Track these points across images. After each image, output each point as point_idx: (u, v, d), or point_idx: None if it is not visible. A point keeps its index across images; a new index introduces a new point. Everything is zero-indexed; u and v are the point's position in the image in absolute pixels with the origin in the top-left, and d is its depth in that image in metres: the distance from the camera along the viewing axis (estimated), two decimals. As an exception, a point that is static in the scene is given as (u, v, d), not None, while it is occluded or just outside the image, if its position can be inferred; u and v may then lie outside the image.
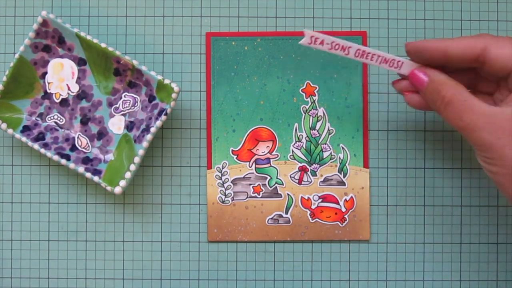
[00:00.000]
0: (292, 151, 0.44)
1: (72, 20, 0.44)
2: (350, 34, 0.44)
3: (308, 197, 0.43)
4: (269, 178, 0.44)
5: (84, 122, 0.43)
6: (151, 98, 0.42)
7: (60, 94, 0.43)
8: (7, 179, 0.44)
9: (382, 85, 0.44)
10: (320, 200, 0.43)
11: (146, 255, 0.44)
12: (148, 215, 0.44)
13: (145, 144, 0.40)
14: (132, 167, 0.40)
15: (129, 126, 0.43)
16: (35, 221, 0.44)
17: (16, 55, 0.41)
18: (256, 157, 0.44)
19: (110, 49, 0.41)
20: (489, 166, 0.33)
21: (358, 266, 0.44)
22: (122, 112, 0.43)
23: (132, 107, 0.43)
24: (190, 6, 0.44)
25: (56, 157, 0.41)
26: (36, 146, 0.41)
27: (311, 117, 0.44)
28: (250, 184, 0.43)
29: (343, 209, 0.43)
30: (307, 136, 0.44)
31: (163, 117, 0.40)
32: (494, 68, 0.33)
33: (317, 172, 0.43)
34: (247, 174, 0.44)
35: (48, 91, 0.43)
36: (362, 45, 0.37)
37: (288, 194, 0.43)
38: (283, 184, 0.44)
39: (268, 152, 0.44)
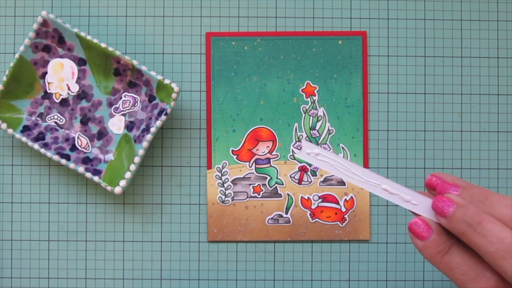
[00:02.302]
0: (292, 151, 0.44)
1: (72, 20, 0.44)
2: (350, 34, 0.44)
3: (308, 197, 0.43)
4: (269, 178, 0.44)
5: (84, 122, 0.43)
6: (151, 98, 0.42)
7: (60, 94, 0.43)
8: (7, 179, 0.44)
9: (382, 85, 0.44)
10: (320, 200, 0.43)
11: (146, 255, 0.44)
12: (148, 215, 0.44)
13: (145, 144, 0.40)
14: (132, 167, 0.40)
15: (129, 126, 0.43)
16: (35, 221, 0.44)
17: (16, 55, 0.41)
18: (256, 157, 0.44)
19: (110, 49, 0.41)
20: None
21: (358, 266, 0.44)
22: (122, 112, 0.43)
23: (132, 107, 0.43)
24: (190, 6, 0.44)
25: (56, 157, 0.41)
26: (36, 146, 0.41)
27: (311, 117, 0.44)
28: (250, 184, 0.43)
29: (343, 209, 0.43)
30: (307, 136, 0.44)
31: (163, 117, 0.40)
32: None
33: (317, 172, 0.43)
34: (247, 174, 0.44)
35: (48, 91, 0.43)
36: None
37: (288, 194, 0.43)
38: (283, 184, 0.44)
39: (268, 152, 0.44)
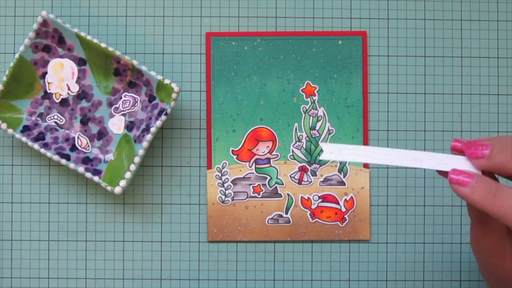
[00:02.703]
0: (292, 151, 0.44)
1: (72, 20, 0.44)
2: (350, 34, 0.44)
3: (308, 197, 0.43)
4: (269, 178, 0.44)
5: (84, 122, 0.43)
6: (151, 98, 0.42)
7: (60, 94, 0.43)
8: (7, 179, 0.44)
9: (382, 85, 0.44)
10: (320, 200, 0.43)
11: (146, 255, 0.44)
12: (148, 215, 0.44)
13: (145, 144, 0.40)
14: (132, 167, 0.40)
15: (129, 126, 0.43)
16: (35, 221, 0.44)
17: (16, 55, 0.41)
18: (256, 157, 0.44)
19: (110, 49, 0.41)
20: None
21: (358, 266, 0.44)
22: (122, 112, 0.43)
23: (132, 107, 0.43)
24: (190, 6, 0.44)
25: (56, 157, 0.41)
26: (36, 146, 0.41)
27: (311, 117, 0.44)
28: (250, 184, 0.43)
29: (343, 209, 0.43)
30: (307, 136, 0.44)
31: (163, 117, 0.40)
32: None
33: (317, 172, 0.43)
34: (247, 174, 0.44)
35: (48, 91, 0.43)
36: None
37: (288, 194, 0.43)
38: (283, 184, 0.44)
39: (268, 152, 0.44)
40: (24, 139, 0.41)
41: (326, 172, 0.43)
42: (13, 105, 0.42)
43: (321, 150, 0.34)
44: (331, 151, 0.31)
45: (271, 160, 0.44)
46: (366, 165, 0.44)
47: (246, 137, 0.44)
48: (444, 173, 0.32)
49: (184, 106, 0.44)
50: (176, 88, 0.40)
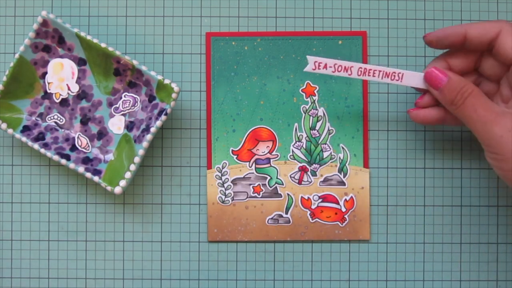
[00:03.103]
0: (292, 151, 0.44)
1: (72, 20, 0.44)
2: (350, 34, 0.44)
3: (308, 197, 0.43)
4: (269, 178, 0.44)
5: (84, 122, 0.43)
6: (151, 98, 0.42)
7: (60, 94, 0.43)
8: (7, 179, 0.44)
9: (382, 85, 0.44)
10: (320, 200, 0.43)
11: (146, 255, 0.44)
12: (148, 215, 0.44)
13: (145, 144, 0.40)
14: (132, 167, 0.40)
15: (129, 126, 0.43)
16: (35, 221, 0.44)
17: (16, 55, 0.41)
18: (256, 157, 0.44)
19: (110, 49, 0.41)
20: (498, 163, 0.34)
21: (358, 266, 0.44)
22: (122, 112, 0.43)
23: (132, 107, 0.43)
24: (190, 6, 0.44)
25: (56, 157, 0.41)
26: (36, 146, 0.41)
27: (311, 117, 0.44)
28: (250, 184, 0.43)
29: (343, 209, 0.43)
30: (307, 136, 0.44)
31: (163, 117, 0.40)
32: (500, 53, 0.35)
33: (317, 172, 0.43)
34: (247, 174, 0.44)
35: (48, 91, 0.43)
36: (362, 63, 0.39)
37: (288, 194, 0.43)
38: (283, 184, 0.44)
39: (268, 152, 0.44)
40: (24, 139, 0.41)
41: (326, 172, 0.43)
42: (13, 105, 0.42)
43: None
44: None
45: (271, 160, 0.44)
46: (366, 165, 0.44)
47: (246, 137, 0.44)
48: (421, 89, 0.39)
49: (184, 106, 0.44)
50: (176, 88, 0.40)
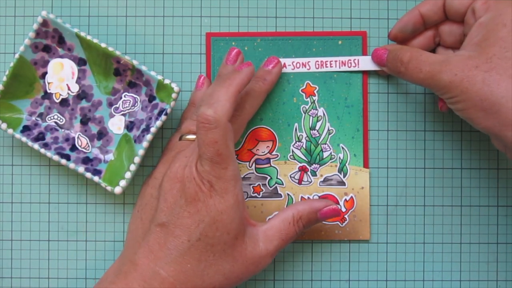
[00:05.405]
0: (292, 151, 0.44)
1: (72, 20, 0.44)
2: (350, 34, 0.44)
3: (308, 197, 0.43)
4: (269, 178, 0.44)
5: (84, 122, 0.43)
6: (151, 98, 0.42)
7: (60, 94, 0.43)
8: (7, 179, 0.44)
9: (382, 85, 0.44)
10: (320, 200, 0.43)
11: (146, 255, 0.44)
12: (148, 215, 0.44)
13: (145, 144, 0.40)
14: (132, 167, 0.40)
15: (129, 126, 0.43)
16: (35, 221, 0.44)
17: (16, 55, 0.41)
18: (256, 157, 0.44)
19: (110, 49, 0.41)
20: (456, 105, 0.36)
21: (358, 266, 0.44)
22: (122, 112, 0.43)
23: (132, 107, 0.43)
24: (190, 6, 0.44)
25: (56, 157, 0.41)
26: (36, 146, 0.41)
27: (311, 117, 0.44)
28: (250, 184, 0.43)
29: (343, 209, 0.43)
30: (307, 136, 0.44)
31: (163, 117, 0.40)
32: (452, 5, 0.38)
33: (317, 172, 0.43)
34: (247, 174, 0.44)
35: (48, 91, 0.43)
36: (318, 57, 0.42)
37: (288, 194, 0.43)
38: (283, 184, 0.44)
39: (268, 152, 0.44)
40: (24, 139, 0.41)
41: (326, 172, 0.43)
42: (13, 105, 0.42)
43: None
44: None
45: (271, 160, 0.44)
46: (366, 165, 0.44)
47: (246, 137, 0.44)
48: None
49: (184, 106, 0.44)
50: (176, 88, 0.40)
